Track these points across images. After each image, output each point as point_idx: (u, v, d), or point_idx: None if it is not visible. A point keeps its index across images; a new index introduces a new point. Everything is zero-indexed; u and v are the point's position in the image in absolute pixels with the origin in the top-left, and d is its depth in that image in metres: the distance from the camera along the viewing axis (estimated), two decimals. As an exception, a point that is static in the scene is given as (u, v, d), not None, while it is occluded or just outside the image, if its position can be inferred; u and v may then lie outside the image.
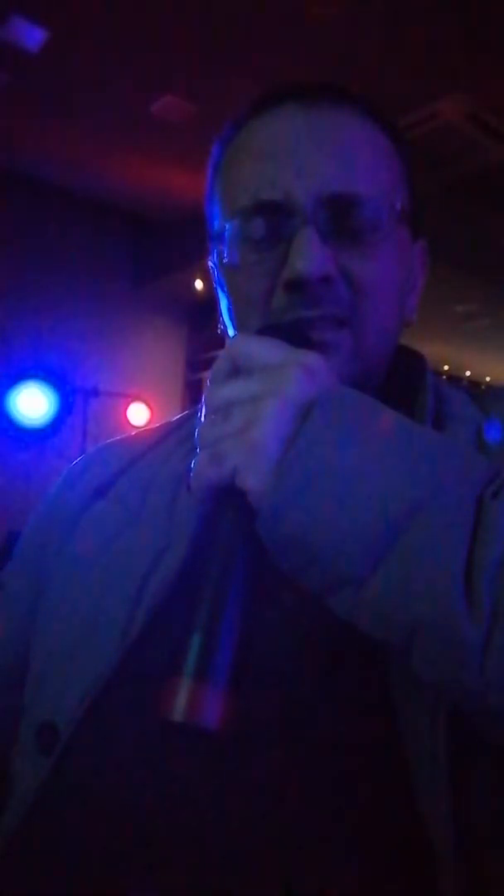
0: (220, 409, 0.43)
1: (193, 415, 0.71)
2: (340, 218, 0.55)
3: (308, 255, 0.53)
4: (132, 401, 4.62)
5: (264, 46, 3.13)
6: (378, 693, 0.46)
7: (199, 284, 5.19)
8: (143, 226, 5.20)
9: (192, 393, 5.41)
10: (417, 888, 0.43)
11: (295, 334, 0.50)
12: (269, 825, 0.45)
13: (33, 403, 3.98)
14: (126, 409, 4.58)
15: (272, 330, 0.50)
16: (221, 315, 0.64)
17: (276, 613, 0.50)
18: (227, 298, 0.61)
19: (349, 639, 0.41)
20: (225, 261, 0.60)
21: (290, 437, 0.40)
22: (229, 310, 0.61)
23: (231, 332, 0.62)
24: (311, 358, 0.43)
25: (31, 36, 3.18)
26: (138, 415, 4.59)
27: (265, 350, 0.44)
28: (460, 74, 3.16)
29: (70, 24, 3.08)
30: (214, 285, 0.65)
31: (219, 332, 0.65)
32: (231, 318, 0.61)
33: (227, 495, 0.41)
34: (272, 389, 0.41)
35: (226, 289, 0.62)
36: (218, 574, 0.40)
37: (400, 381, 0.62)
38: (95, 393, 4.36)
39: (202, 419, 0.44)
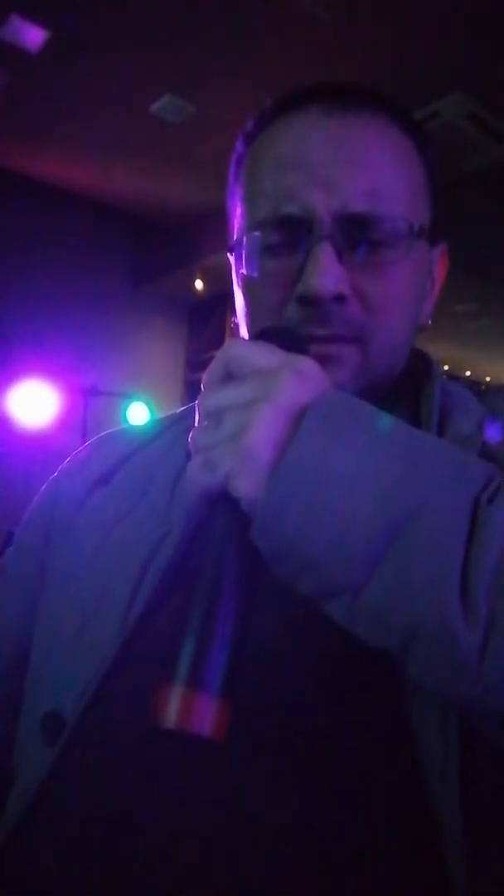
0: (213, 415, 0.43)
1: (195, 408, 0.71)
2: (358, 234, 0.55)
3: (323, 272, 0.53)
4: (132, 401, 4.61)
5: (264, 47, 3.12)
6: (386, 692, 0.46)
7: (199, 284, 5.18)
8: (142, 226, 5.20)
9: (192, 393, 5.41)
10: (429, 889, 0.43)
11: (289, 339, 0.50)
12: (273, 821, 0.45)
13: (33, 403, 3.98)
14: (126, 409, 4.58)
15: (267, 334, 0.50)
16: (236, 311, 0.64)
17: (274, 617, 0.49)
18: (243, 302, 0.61)
19: (353, 642, 0.40)
20: (243, 267, 0.59)
21: (282, 443, 0.39)
22: (244, 313, 0.61)
23: (244, 330, 0.62)
24: (304, 363, 0.43)
25: (31, 36, 3.17)
26: (138, 415, 4.58)
27: (258, 355, 0.44)
28: (460, 74, 3.16)
29: (70, 24, 3.08)
30: (231, 283, 0.65)
31: (231, 325, 0.65)
32: (244, 322, 0.61)
33: (221, 502, 0.41)
34: (265, 395, 0.41)
35: (242, 292, 0.62)
36: (211, 580, 0.39)
37: (407, 377, 0.62)
38: (95, 393, 4.36)
39: (196, 425, 0.44)
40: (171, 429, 0.70)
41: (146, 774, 0.48)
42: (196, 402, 0.46)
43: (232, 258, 0.64)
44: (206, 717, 0.37)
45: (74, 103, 3.73)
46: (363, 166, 0.55)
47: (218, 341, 5.24)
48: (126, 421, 4.45)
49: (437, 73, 3.14)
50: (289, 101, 0.59)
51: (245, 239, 0.59)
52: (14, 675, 0.63)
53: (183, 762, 0.47)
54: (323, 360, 0.51)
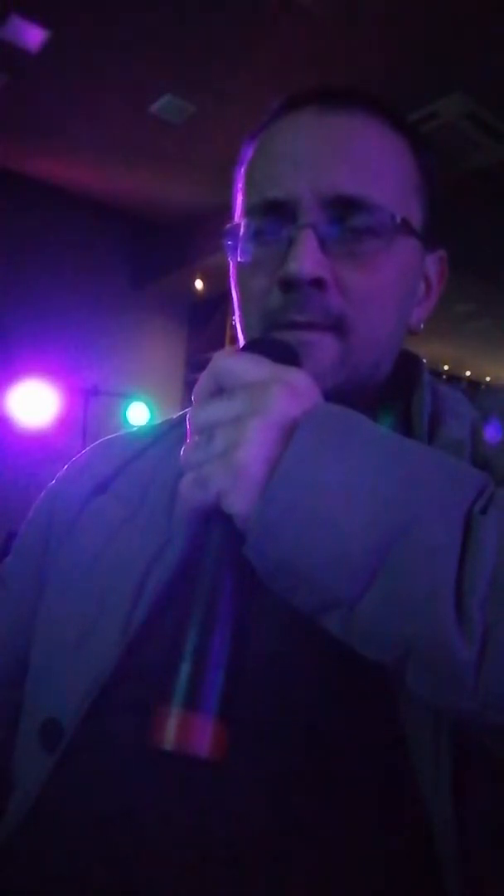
0: (204, 431, 0.42)
1: None
2: (341, 221, 0.55)
3: (302, 255, 0.53)
4: (132, 401, 4.62)
5: (264, 47, 3.12)
6: (383, 700, 0.46)
7: (199, 284, 5.18)
8: (142, 226, 5.20)
9: (192, 393, 5.41)
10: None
11: (279, 350, 0.49)
12: (271, 830, 0.45)
13: (33, 403, 3.99)
14: (126, 409, 4.58)
15: (256, 346, 0.49)
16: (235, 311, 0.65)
17: (272, 624, 0.49)
18: (236, 293, 0.62)
19: (349, 651, 0.40)
20: (237, 258, 0.60)
21: (274, 458, 0.39)
22: (237, 305, 0.62)
23: (239, 327, 0.62)
24: (294, 375, 0.42)
25: (31, 36, 3.17)
26: (138, 415, 4.59)
27: (248, 367, 0.43)
28: (460, 74, 3.16)
29: (70, 24, 3.08)
30: (229, 281, 0.66)
31: (231, 325, 0.65)
32: (238, 314, 0.62)
33: (214, 518, 0.41)
34: (255, 409, 0.40)
35: (235, 283, 0.62)
36: (206, 599, 0.39)
37: (397, 382, 0.62)
38: (95, 393, 4.36)
39: (187, 440, 0.44)
40: (169, 434, 0.70)
41: (145, 783, 0.48)
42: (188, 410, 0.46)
43: (229, 257, 0.65)
44: (204, 738, 0.37)
45: (74, 103, 3.73)
46: (351, 155, 0.56)
47: (218, 341, 5.24)
48: (126, 421, 4.46)
49: (436, 73, 3.14)
50: (286, 104, 0.60)
51: (236, 228, 0.59)
52: (14, 681, 0.63)
53: (182, 771, 0.47)
54: (301, 348, 0.51)
